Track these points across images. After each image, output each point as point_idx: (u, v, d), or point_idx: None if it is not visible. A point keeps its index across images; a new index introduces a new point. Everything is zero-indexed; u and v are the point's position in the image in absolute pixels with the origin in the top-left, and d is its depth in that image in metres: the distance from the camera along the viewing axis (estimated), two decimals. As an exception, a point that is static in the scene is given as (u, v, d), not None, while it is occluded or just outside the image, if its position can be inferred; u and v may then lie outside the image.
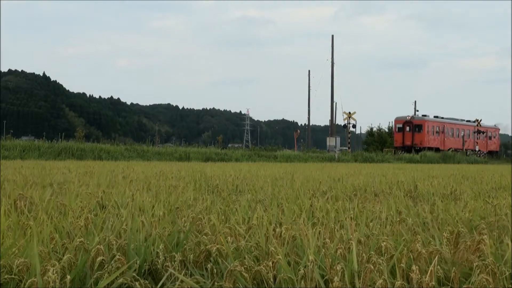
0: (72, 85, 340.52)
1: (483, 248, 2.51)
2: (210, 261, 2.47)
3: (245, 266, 2.23)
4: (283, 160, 34.21)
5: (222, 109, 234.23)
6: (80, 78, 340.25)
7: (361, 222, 3.40)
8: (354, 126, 53.26)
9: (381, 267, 2.20)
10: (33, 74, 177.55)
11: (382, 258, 2.35)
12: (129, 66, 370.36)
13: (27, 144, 27.79)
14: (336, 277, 2.07)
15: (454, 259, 2.46)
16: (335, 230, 3.13)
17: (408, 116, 57.24)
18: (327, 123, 68.23)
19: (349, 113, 53.13)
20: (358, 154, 44.38)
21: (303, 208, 4.16)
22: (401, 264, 2.27)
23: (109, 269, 2.25)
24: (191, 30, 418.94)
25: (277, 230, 2.91)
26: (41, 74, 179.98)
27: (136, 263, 2.40)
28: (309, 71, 69.04)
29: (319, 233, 2.92)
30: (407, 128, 56.39)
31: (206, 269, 2.40)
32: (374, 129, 68.66)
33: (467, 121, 65.12)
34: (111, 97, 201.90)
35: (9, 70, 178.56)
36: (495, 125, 69.72)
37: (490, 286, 2.05)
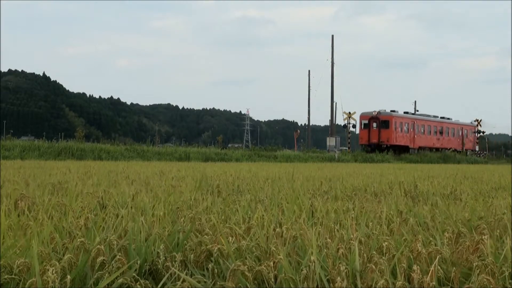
0: (72, 85, 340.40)
1: (483, 248, 2.51)
2: (211, 261, 2.47)
3: (246, 266, 2.23)
4: (283, 160, 34.21)
5: (222, 109, 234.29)
6: (80, 78, 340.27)
7: (361, 222, 3.40)
8: (354, 126, 53.28)
9: (383, 267, 2.20)
10: (33, 74, 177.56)
11: (383, 258, 2.35)
12: (129, 66, 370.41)
13: (27, 144, 27.79)
14: (338, 277, 2.07)
15: (453, 259, 2.46)
16: (335, 230, 3.13)
17: (374, 111, 52.82)
18: (327, 123, 68.03)
19: (349, 113, 53.19)
20: (358, 154, 44.39)
21: (303, 208, 4.16)
22: (402, 264, 2.27)
23: (109, 269, 2.25)
24: (191, 30, 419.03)
25: (278, 230, 2.91)
26: (41, 74, 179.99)
27: (137, 263, 2.40)
28: (309, 71, 69.05)
29: (319, 233, 2.92)
30: (374, 125, 52.37)
31: (207, 269, 2.40)
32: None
33: (441, 117, 61.17)
34: (111, 97, 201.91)
35: (9, 70, 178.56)
36: (471, 122, 65.69)
37: (491, 286, 2.05)
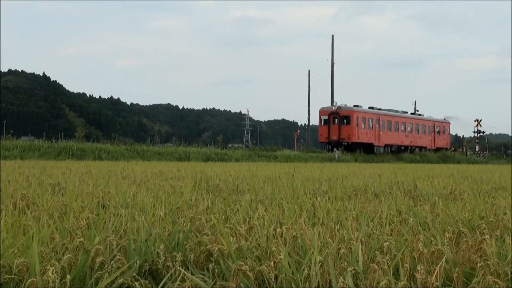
0: (72, 85, 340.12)
1: (485, 248, 2.50)
2: (211, 261, 2.47)
3: (248, 266, 2.22)
4: (283, 160, 34.21)
5: (222, 109, 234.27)
6: (80, 78, 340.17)
7: (362, 221, 3.39)
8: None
9: (385, 267, 2.19)
10: (33, 74, 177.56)
11: (385, 258, 2.34)
12: (129, 66, 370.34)
13: (27, 144, 27.80)
14: (341, 277, 2.07)
15: (456, 259, 2.45)
16: (336, 230, 3.13)
17: (334, 106, 49.01)
18: (327, 123, 67.72)
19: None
20: (358, 154, 44.32)
21: (303, 208, 4.15)
22: (406, 264, 2.26)
23: (109, 269, 2.24)
24: (191, 30, 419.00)
25: (278, 230, 2.90)
26: (41, 74, 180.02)
27: (137, 263, 2.40)
28: (309, 71, 69.06)
29: (319, 234, 2.91)
30: (334, 121, 48.12)
31: (207, 269, 2.39)
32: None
33: (412, 113, 57.32)
34: (111, 97, 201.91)
35: (9, 70, 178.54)
36: (444, 119, 61.85)
37: (497, 286, 2.04)
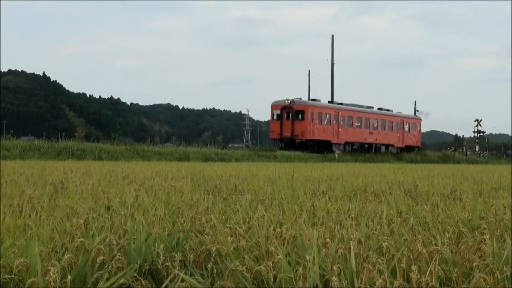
0: (72, 85, 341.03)
1: (484, 248, 2.51)
2: (211, 261, 2.47)
3: (245, 266, 2.23)
4: (283, 160, 34.21)
5: (222, 109, 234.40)
6: (80, 78, 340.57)
7: (362, 222, 3.39)
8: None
9: (381, 267, 2.19)
10: (33, 74, 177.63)
11: (382, 258, 2.34)
12: (129, 66, 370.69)
13: (27, 144, 27.79)
14: (334, 277, 2.07)
15: (455, 259, 2.46)
16: (335, 230, 3.13)
17: (288, 100, 44.62)
18: (327, 123, 67.65)
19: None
20: (358, 154, 44.29)
21: (303, 207, 4.15)
22: (402, 264, 2.26)
23: (109, 269, 2.25)
24: (191, 30, 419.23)
25: (278, 230, 2.91)
26: (41, 74, 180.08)
27: (137, 263, 2.40)
28: (309, 71, 68.80)
29: (319, 234, 2.91)
30: (288, 116, 44.30)
31: (206, 269, 2.39)
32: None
33: (379, 109, 52.46)
34: (111, 97, 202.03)
35: (9, 70, 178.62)
36: (415, 115, 58.18)
37: (488, 285, 2.05)
